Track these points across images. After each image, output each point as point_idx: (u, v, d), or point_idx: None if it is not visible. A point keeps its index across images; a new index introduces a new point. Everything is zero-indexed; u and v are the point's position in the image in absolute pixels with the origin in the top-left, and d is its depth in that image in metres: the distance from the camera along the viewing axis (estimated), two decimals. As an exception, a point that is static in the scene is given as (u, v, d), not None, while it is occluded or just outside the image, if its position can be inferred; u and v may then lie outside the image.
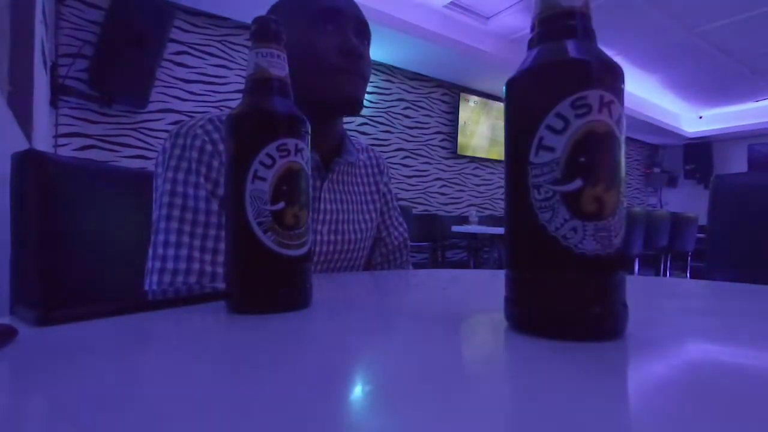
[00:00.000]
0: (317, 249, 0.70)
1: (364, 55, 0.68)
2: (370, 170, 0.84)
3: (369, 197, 0.82)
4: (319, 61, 0.65)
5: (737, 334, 0.32)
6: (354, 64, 0.67)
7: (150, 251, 0.58)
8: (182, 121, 0.69)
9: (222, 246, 0.59)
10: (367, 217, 0.80)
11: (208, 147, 0.61)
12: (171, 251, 0.56)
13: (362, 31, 0.71)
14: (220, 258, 0.59)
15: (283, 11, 0.69)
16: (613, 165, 0.27)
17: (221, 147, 0.61)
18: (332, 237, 0.72)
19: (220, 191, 0.60)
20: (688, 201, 7.03)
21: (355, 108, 0.70)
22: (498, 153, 4.88)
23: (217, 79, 3.19)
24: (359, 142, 0.85)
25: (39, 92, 1.73)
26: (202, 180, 0.60)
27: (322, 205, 0.71)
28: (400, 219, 0.88)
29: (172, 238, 0.57)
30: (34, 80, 1.53)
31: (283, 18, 0.66)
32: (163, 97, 2.95)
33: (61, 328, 0.31)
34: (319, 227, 0.71)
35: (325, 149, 0.72)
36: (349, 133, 0.80)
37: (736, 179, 1.12)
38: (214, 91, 3.17)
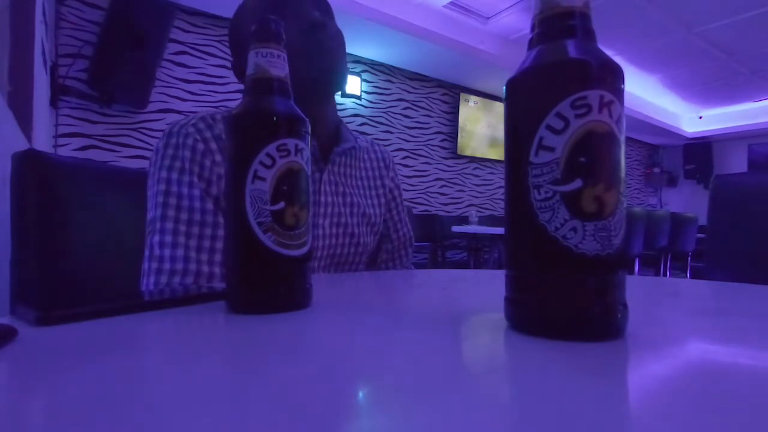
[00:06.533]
0: (320, 243, 0.68)
1: (325, 24, 0.65)
2: (375, 164, 0.82)
3: (374, 191, 0.80)
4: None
5: (737, 333, 0.32)
6: (313, 38, 0.63)
7: (146, 252, 0.58)
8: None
9: (219, 245, 0.59)
10: (371, 211, 0.77)
11: (200, 146, 0.60)
12: (167, 251, 0.56)
13: (320, 6, 0.67)
14: (217, 257, 0.58)
15: (245, 7, 0.68)
16: (613, 165, 0.27)
17: (213, 145, 0.61)
18: (335, 230, 0.70)
19: (214, 190, 0.60)
20: (688, 201, 7.03)
21: (326, 83, 0.66)
22: (498, 153, 4.88)
23: (217, 79, 3.19)
24: (365, 139, 0.84)
25: (39, 92, 1.73)
26: (195, 179, 0.59)
27: (322, 198, 0.69)
28: (406, 218, 0.87)
29: (168, 238, 0.56)
30: (34, 80, 1.53)
31: (248, 11, 0.66)
32: (163, 97, 2.95)
33: (61, 328, 0.31)
34: (321, 221, 0.69)
35: (321, 137, 0.69)
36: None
37: (736, 179, 1.12)
38: (214, 91, 3.18)
